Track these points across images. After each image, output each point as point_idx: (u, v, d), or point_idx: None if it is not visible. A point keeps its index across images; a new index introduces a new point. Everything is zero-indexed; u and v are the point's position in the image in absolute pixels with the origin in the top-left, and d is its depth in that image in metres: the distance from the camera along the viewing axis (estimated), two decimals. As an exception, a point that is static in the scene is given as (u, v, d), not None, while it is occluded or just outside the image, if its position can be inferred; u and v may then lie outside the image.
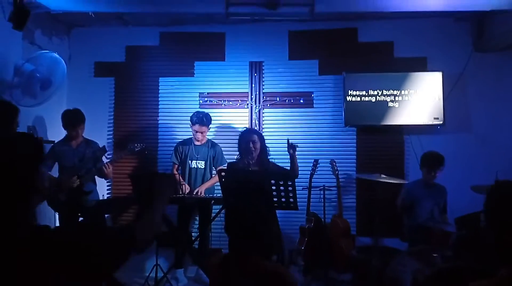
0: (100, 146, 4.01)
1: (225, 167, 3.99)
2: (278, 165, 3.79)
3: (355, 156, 4.68)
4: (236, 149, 4.64)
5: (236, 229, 1.77)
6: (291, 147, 3.65)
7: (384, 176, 3.73)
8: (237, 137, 4.70)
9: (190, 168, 4.28)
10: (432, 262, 2.96)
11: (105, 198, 4.59)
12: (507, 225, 1.23)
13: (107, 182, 4.78)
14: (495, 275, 1.27)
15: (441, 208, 3.97)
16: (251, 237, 1.74)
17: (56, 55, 3.64)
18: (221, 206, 3.84)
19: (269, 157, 3.78)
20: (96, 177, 4.05)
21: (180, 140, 4.52)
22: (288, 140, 3.70)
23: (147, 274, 4.24)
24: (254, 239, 1.74)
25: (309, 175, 4.25)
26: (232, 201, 1.81)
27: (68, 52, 4.95)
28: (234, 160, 3.84)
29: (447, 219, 3.91)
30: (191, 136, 4.34)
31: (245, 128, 3.79)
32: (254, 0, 3.48)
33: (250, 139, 3.63)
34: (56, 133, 4.22)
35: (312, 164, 4.24)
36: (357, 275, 3.93)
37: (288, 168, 3.73)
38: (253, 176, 3.26)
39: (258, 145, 3.63)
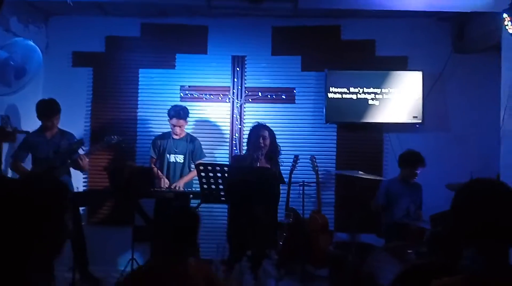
0: (77, 138, 3.92)
1: (204, 162, 3.96)
2: (280, 171, 3.77)
3: (335, 152, 4.71)
4: (214, 142, 4.62)
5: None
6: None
7: (362, 172, 3.77)
8: (217, 131, 4.73)
9: (169, 162, 4.23)
10: (406, 259, 3.00)
11: (80, 190, 4.50)
12: (473, 225, 1.24)
13: (83, 174, 4.68)
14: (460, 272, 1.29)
15: (416, 205, 4.04)
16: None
17: (31, 43, 3.53)
18: (199, 201, 3.83)
19: (279, 157, 3.78)
20: (71, 169, 3.97)
21: (159, 133, 4.46)
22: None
23: (123, 268, 4.19)
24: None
25: (289, 171, 4.25)
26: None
27: (46, 40, 4.80)
28: (240, 153, 3.79)
29: (421, 215, 3.98)
30: (169, 130, 4.28)
31: (256, 122, 3.75)
32: (237, -7, 3.44)
33: (260, 134, 3.61)
34: (31, 123, 4.10)
35: (292, 160, 4.23)
36: (334, 270, 3.96)
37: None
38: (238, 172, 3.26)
39: (267, 142, 3.62)
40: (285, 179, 4.12)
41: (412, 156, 4.02)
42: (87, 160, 3.84)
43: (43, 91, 4.67)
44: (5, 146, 4.05)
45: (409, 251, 3.07)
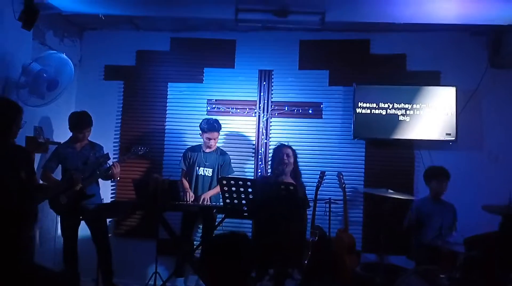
0: (104, 151, 3.99)
1: (227, 176, 3.93)
2: (304, 190, 3.74)
3: (363, 169, 4.57)
4: (240, 157, 4.60)
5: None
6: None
7: (392, 191, 3.63)
8: (243, 145, 4.71)
9: (197, 175, 4.22)
10: (438, 283, 2.84)
11: (108, 202, 4.55)
12: None
13: (111, 185, 4.75)
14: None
15: (449, 226, 3.85)
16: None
17: (64, 56, 3.63)
18: (223, 215, 3.79)
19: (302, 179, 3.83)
20: (100, 181, 4.02)
21: (188, 146, 4.48)
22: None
23: (146, 282, 4.18)
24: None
25: (315, 187, 4.16)
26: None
27: (79, 54, 4.97)
28: (266, 174, 3.83)
29: (452, 235, 3.80)
30: (200, 143, 4.29)
31: (279, 143, 3.82)
32: (264, 7, 3.43)
33: (284, 151, 3.71)
34: (63, 134, 4.21)
35: (318, 176, 4.14)
36: (361, 292, 3.80)
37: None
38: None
39: (291, 160, 3.67)
40: (311, 195, 4.04)
41: (436, 170, 3.90)
42: (119, 168, 3.87)
43: (76, 103, 4.82)
44: (37, 157, 4.16)
45: (441, 275, 2.92)
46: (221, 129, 4.25)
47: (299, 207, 3.39)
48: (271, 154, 3.78)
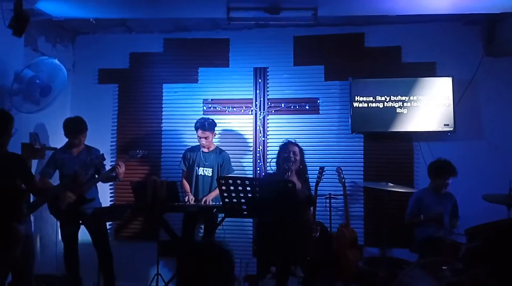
0: (100, 153, 3.97)
1: (225, 175, 3.91)
2: (309, 186, 3.71)
3: (362, 163, 4.56)
4: (238, 155, 4.58)
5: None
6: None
7: (392, 184, 3.62)
8: (241, 143, 4.69)
9: (197, 175, 4.20)
10: (441, 275, 2.82)
11: (107, 205, 4.54)
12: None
13: (110, 189, 4.74)
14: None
15: (451, 215, 3.85)
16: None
17: (56, 61, 3.61)
18: (223, 215, 3.77)
19: (307, 175, 3.74)
20: (98, 184, 4.00)
21: (185, 146, 4.46)
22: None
23: (149, 284, 4.17)
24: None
25: (314, 183, 4.14)
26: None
27: (73, 59, 4.95)
28: (272, 172, 3.77)
29: (456, 223, 3.79)
30: (199, 144, 4.27)
31: (286, 140, 3.77)
32: (256, 4, 3.40)
33: (291, 149, 3.61)
34: (59, 140, 4.18)
35: (317, 171, 4.12)
36: (364, 287, 3.79)
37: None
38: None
39: (298, 157, 3.59)
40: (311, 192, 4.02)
41: (442, 166, 3.85)
42: (124, 167, 3.85)
43: (71, 107, 4.80)
44: (34, 163, 4.14)
45: (443, 267, 2.89)
46: (214, 128, 4.20)
47: (298, 204, 3.37)
48: (277, 150, 3.72)
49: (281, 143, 3.75)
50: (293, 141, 3.73)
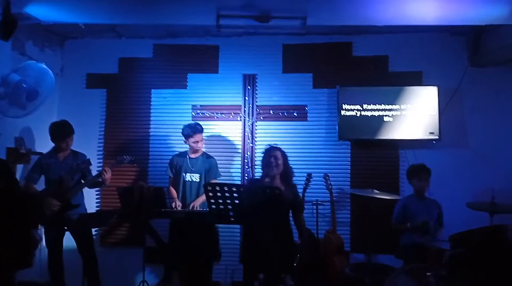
0: (86, 158, 3.94)
1: (211, 182, 3.91)
2: (297, 191, 3.70)
3: (349, 170, 4.60)
4: (226, 161, 4.58)
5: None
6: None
7: (377, 191, 3.65)
8: (229, 150, 4.70)
9: (185, 181, 4.18)
10: (425, 281, 2.85)
11: (93, 211, 4.50)
12: None
13: (96, 194, 4.70)
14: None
15: (436, 222, 3.89)
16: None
17: (43, 65, 3.58)
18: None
19: (293, 179, 3.70)
20: (84, 190, 3.97)
21: (173, 152, 4.44)
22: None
23: (135, 291, 4.13)
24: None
25: (302, 190, 4.16)
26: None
27: (61, 63, 4.92)
28: (258, 178, 3.76)
29: (440, 233, 3.84)
30: (186, 149, 4.27)
31: (268, 145, 3.77)
32: (245, 13, 3.43)
33: (272, 154, 3.59)
34: (45, 144, 4.14)
35: (305, 178, 4.15)
36: (350, 293, 3.81)
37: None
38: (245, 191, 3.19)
39: (280, 162, 3.57)
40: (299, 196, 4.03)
41: (415, 167, 3.99)
42: (110, 173, 3.82)
43: (58, 112, 4.76)
44: (19, 168, 4.09)
45: (428, 273, 2.93)
46: (203, 130, 4.22)
47: (284, 209, 3.38)
48: (261, 157, 3.72)
49: (263, 149, 3.75)
50: (276, 145, 3.74)
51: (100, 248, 4.46)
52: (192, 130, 4.12)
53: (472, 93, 4.52)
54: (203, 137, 4.22)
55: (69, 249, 3.91)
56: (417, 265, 3.17)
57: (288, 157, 3.70)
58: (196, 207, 4.01)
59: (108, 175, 3.80)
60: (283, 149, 4.21)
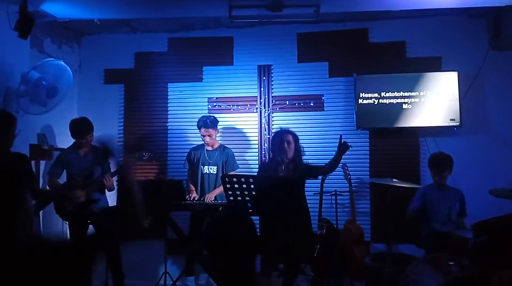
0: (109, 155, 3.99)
1: (229, 174, 3.92)
2: (310, 165, 3.64)
3: (368, 159, 4.55)
4: (244, 153, 4.57)
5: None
6: (343, 146, 3.45)
7: (396, 180, 3.60)
8: (246, 141, 4.70)
9: (203, 174, 4.22)
10: (447, 271, 2.81)
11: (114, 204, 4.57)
12: None
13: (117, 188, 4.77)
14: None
15: (458, 211, 3.82)
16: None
17: (62, 62, 3.64)
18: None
19: (303, 159, 3.64)
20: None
21: (191, 145, 4.48)
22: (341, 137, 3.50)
23: (157, 282, 4.20)
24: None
25: (320, 180, 4.14)
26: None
27: (79, 59, 4.99)
28: (266, 161, 3.72)
29: (464, 223, 3.76)
30: (203, 142, 4.29)
31: (279, 128, 3.69)
32: (258, 2, 3.40)
33: (285, 139, 3.51)
34: (67, 140, 4.22)
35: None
36: (371, 283, 3.79)
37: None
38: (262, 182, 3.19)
39: (293, 146, 3.51)
40: (317, 187, 4.01)
41: (437, 159, 3.83)
42: (112, 180, 3.89)
43: (78, 108, 4.84)
44: (42, 164, 4.19)
45: (450, 262, 2.89)
46: (216, 126, 4.21)
47: (299, 199, 3.36)
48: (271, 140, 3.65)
49: (274, 132, 3.67)
50: (287, 128, 3.67)
51: (122, 240, 4.54)
52: (201, 123, 4.15)
53: (493, 78, 4.39)
54: (214, 132, 4.18)
55: (92, 242, 3.99)
56: (439, 254, 3.13)
57: (306, 148, 3.68)
58: (211, 200, 4.03)
59: (109, 182, 3.85)
60: (301, 140, 4.19)
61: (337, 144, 3.50)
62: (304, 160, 3.66)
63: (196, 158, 4.27)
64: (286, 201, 3.05)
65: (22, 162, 3.06)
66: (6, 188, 2.75)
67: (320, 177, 4.05)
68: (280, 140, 3.51)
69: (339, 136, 4.47)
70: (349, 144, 3.46)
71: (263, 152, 4.64)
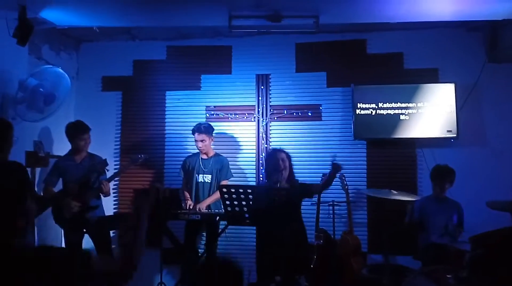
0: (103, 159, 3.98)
1: (226, 184, 3.90)
2: (305, 183, 3.67)
3: (365, 170, 4.55)
4: (241, 162, 4.56)
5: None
6: (335, 168, 3.48)
7: (395, 192, 3.60)
8: (244, 150, 4.69)
9: (197, 182, 4.20)
10: (445, 283, 2.80)
11: (111, 214, 4.55)
12: None
13: (113, 197, 4.74)
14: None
15: (455, 223, 3.82)
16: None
17: (60, 70, 3.63)
18: (226, 223, 3.77)
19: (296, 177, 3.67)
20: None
21: (188, 153, 4.46)
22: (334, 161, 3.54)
23: (152, 292, 4.16)
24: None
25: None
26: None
27: (77, 66, 4.98)
28: (263, 182, 3.74)
29: (461, 234, 3.75)
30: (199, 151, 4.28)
31: (271, 149, 3.72)
32: (257, 13, 3.42)
33: (279, 157, 3.54)
34: (63, 147, 4.20)
35: (320, 178, 4.11)
36: (368, 295, 3.77)
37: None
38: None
39: (287, 164, 3.55)
40: (314, 197, 3.99)
41: (438, 170, 3.88)
42: (109, 186, 3.87)
43: (75, 115, 4.81)
44: (37, 171, 4.16)
45: (448, 275, 2.88)
46: (211, 133, 4.19)
47: (297, 208, 3.36)
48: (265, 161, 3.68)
49: (266, 153, 3.71)
50: (279, 148, 3.70)
51: (118, 249, 4.50)
52: (195, 128, 4.16)
53: (490, 90, 4.42)
54: (208, 139, 4.16)
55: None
56: (437, 267, 3.12)
57: (303, 158, 3.68)
58: (201, 209, 4.00)
59: (106, 188, 3.82)
60: (298, 150, 4.21)
61: (328, 156, 3.52)
62: (296, 178, 3.66)
63: (191, 166, 4.25)
64: (283, 214, 3.05)
65: (18, 172, 3.03)
66: (8, 197, 2.72)
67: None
68: (275, 158, 3.52)
69: (336, 147, 4.49)
70: (339, 164, 3.50)
71: (261, 162, 4.63)
